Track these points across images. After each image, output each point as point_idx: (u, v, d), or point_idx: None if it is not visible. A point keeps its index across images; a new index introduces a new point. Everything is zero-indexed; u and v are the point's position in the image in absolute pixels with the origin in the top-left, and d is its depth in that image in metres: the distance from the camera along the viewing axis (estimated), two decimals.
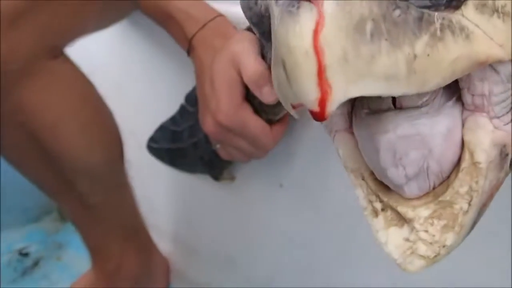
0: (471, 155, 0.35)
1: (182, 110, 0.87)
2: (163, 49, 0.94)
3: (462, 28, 0.32)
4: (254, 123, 0.67)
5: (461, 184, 0.35)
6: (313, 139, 0.76)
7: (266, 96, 0.64)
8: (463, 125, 0.36)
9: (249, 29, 0.70)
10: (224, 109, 0.66)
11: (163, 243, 1.09)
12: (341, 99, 0.29)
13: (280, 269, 0.89)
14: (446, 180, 0.36)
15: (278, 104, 0.65)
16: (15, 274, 1.23)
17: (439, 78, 0.31)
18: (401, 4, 0.30)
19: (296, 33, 0.28)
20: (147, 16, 0.80)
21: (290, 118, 0.72)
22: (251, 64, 0.63)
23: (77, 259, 1.22)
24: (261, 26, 0.39)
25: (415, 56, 0.30)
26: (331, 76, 0.28)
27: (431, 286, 0.66)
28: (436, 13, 0.31)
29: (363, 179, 0.39)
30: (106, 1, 0.81)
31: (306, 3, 0.28)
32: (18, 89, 0.75)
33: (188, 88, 0.85)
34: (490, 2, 0.32)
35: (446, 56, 0.31)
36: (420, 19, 0.30)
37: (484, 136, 0.34)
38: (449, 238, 0.35)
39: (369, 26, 0.29)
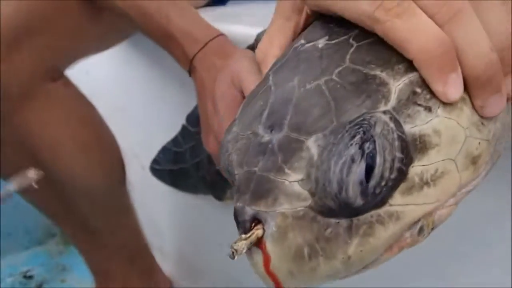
0: None
1: (184, 130, 0.87)
2: (163, 70, 0.94)
3: (391, 215, 0.35)
4: None
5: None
6: None
7: None
8: None
9: (250, 47, 0.70)
10: None
11: (166, 264, 1.08)
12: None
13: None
14: None
15: None
16: None
17: (376, 255, 0.36)
18: (332, 222, 0.35)
19: (254, 265, 0.36)
20: (148, 37, 0.80)
21: None
22: (253, 83, 0.62)
23: (81, 282, 1.21)
24: None
25: (349, 257, 0.35)
26: (286, 285, 0.36)
27: (431, 286, 0.66)
28: (363, 216, 0.35)
29: None
30: (107, 23, 0.81)
31: (255, 248, 0.35)
32: (18, 111, 0.75)
33: (189, 108, 0.85)
34: (417, 182, 0.35)
35: (378, 243, 0.35)
36: (350, 227, 0.35)
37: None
38: None
39: (306, 251, 0.35)
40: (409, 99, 0.35)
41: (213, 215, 0.97)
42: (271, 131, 0.37)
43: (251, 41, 0.72)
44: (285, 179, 0.35)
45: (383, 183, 0.34)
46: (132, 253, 0.96)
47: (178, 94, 0.92)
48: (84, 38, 0.80)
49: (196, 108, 0.79)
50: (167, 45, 0.77)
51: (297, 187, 0.35)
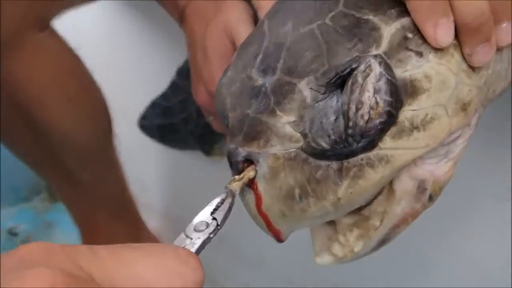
0: (390, 182, 0.39)
1: (173, 85, 0.86)
2: (153, 23, 0.93)
3: (381, 158, 0.36)
4: None
5: (378, 204, 0.40)
6: None
7: None
8: None
9: None
10: (218, 78, 0.64)
11: (152, 221, 1.08)
12: (289, 233, 0.39)
13: (272, 247, 0.89)
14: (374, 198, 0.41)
15: None
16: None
17: (365, 198, 0.38)
18: (322, 164, 0.36)
19: (247, 206, 0.38)
20: None
21: None
22: (244, 33, 0.62)
23: (67, 239, 1.21)
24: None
25: (339, 199, 0.36)
26: (277, 225, 0.38)
27: (431, 286, 0.66)
28: (354, 158, 0.36)
29: None
30: None
31: (247, 188, 0.37)
32: (5, 61, 0.73)
33: (179, 62, 0.84)
34: (407, 126, 0.36)
35: (368, 185, 0.36)
36: (340, 169, 0.36)
37: (402, 169, 0.39)
38: (358, 246, 0.41)
39: (296, 191, 0.36)
40: (401, 44, 0.36)
41: (200, 172, 0.97)
42: (265, 74, 0.37)
43: None
44: (277, 121, 0.36)
45: (372, 124, 0.35)
46: (117, 207, 0.96)
47: (168, 47, 0.91)
48: None
49: (186, 62, 0.79)
50: None
51: (288, 129, 0.36)
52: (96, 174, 0.88)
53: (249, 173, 0.36)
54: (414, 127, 0.36)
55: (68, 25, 0.81)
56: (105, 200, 0.93)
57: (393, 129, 0.36)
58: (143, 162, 1.08)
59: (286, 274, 0.89)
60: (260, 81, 0.37)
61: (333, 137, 0.36)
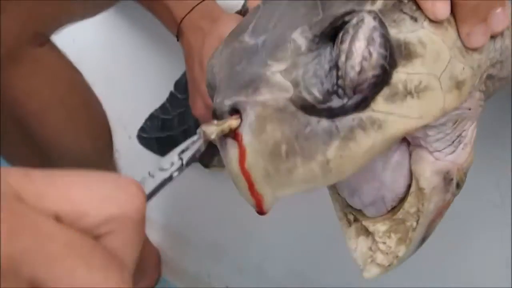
0: (417, 182, 0.39)
1: (172, 97, 0.87)
2: (151, 38, 0.94)
3: (373, 122, 0.34)
4: None
5: (410, 206, 0.40)
6: None
7: None
8: (411, 155, 0.40)
9: (238, 12, 0.70)
10: None
11: (153, 233, 1.09)
12: (272, 202, 0.35)
13: (270, 257, 0.89)
14: (402, 201, 0.41)
15: None
16: None
17: (355, 167, 0.35)
18: (312, 120, 0.34)
19: (228, 161, 0.34)
20: (136, 1, 0.80)
21: None
22: None
23: None
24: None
25: (328, 161, 0.34)
26: (260, 188, 0.34)
27: (430, 286, 0.66)
28: (345, 118, 0.34)
29: (338, 194, 0.43)
30: None
31: (230, 140, 0.33)
32: (4, 76, 0.74)
33: (177, 76, 0.85)
34: (401, 90, 0.35)
35: (359, 151, 0.34)
36: (330, 128, 0.34)
37: (426, 167, 0.39)
38: (401, 250, 0.40)
39: (283, 148, 0.33)
40: (396, 6, 0.36)
41: (200, 185, 0.97)
42: (257, 36, 0.36)
43: (239, 7, 0.72)
44: (267, 70, 0.34)
45: (364, 76, 0.34)
46: None
47: (166, 61, 0.92)
48: (70, 3, 0.79)
49: (184, 75, 0.79)
50: (155, 10, 0.77)
51: (279, 77, 0.34)
52: None
53: (231, 121, 0.33)
54: (408, 92, 0.35)
55: (67, 39, 0.82)
56: None
57: (386, 90, 0.35)
58: (142, 174, 1.08)
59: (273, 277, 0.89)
60: (252, 42, 0.36)
61: (325, 86, 0.34)
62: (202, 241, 1.02)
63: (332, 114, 0.34)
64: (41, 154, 0.82)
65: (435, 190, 0.39)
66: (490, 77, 0.41)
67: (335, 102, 0.34)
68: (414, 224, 0.40)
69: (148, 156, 0.98)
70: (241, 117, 0.33)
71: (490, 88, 0.42)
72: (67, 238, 0.24)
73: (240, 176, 0.34)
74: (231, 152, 0.34)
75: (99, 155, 0.87)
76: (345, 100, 0.34)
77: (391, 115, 0.35)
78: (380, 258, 0.41)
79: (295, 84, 0.34)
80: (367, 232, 0.42)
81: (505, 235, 0.60)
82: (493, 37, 0.39)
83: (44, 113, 0.79)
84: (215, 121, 0.33)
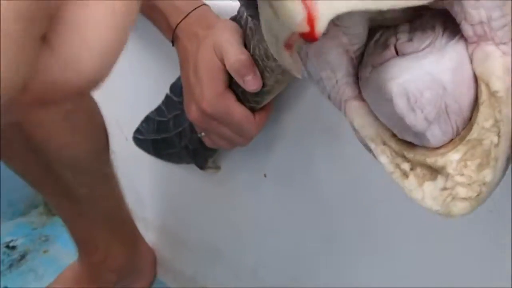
0: (487, 86, 0.33)
1: (167, 100, 0.87)
2: (147, 40, 0.94)
3: None
4: (238, 110, 0.68)
5: (485, 118, 0.34)
6: (296, 128, 0.76)
7: (248, 84, 0.65)
8: (471, 61, 0.34)
9: (232, 18, 0.71)
10: (208, 97, 0.66)
11: (149, 234, 1.09)
12: (329, 15, 0.28)
13: (266, 259, 0.90)
14: (469, 122, 0.35)
15: (261, 92, 0.66)
16: (2, 267, 1.23)
17: None
18: None
19: None
20: None
21: (272, 106, 0.73)
22: (234, 53, 0.64)
23: (63, 253, 1.22)
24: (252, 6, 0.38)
25: None
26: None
27: (430, 286, 0.67)
28: None
29: (384, 144, 0.38)
30: None
31: None
32: None
33: (173, 78, 0.86)
34: None
35: None
36: None
37: (495, 64, 0.33)
38: (488, 175, 0.34)
39: None
40: None
41: (195, 185, 0.98)
42: None
43: (234, 12, 0.72)
44: None
45: None
46: (115, 222, 0.97)
47: (162, 64, 0.92)
48: None
49: (179, 78, 0.80)
50: (151, 15, 0.77)
51: None
52: (93, 189, 0.89)
53: None
54: None
55: None
56: (102, 216, 0.93)
57: None
58: (139, 175, 1.08)
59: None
60: None
61: None
62: (198, 243, 1.03)
63: None
64: (39, 157, 0.82)
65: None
66: None
67: None
68: (495, 139, 0.33)
69: (144, 157, 0.99)
70: None
71: None
72: None
73: None
74: None
75: (96, 156, 0.88)
76: None
77: None
78: (462, 192, 0.34)
79: None
80: (433, 175, 0.36)
81: (501, 240, 0.61)
82: None
83: (40, 116, 0.79)
84: None
